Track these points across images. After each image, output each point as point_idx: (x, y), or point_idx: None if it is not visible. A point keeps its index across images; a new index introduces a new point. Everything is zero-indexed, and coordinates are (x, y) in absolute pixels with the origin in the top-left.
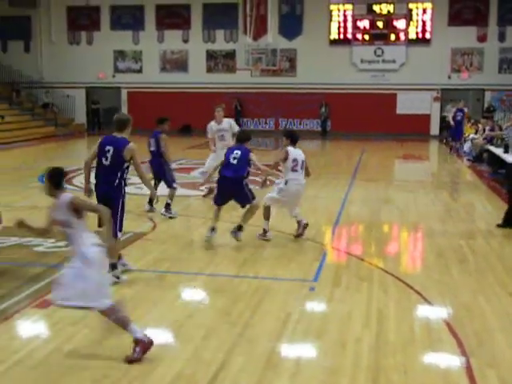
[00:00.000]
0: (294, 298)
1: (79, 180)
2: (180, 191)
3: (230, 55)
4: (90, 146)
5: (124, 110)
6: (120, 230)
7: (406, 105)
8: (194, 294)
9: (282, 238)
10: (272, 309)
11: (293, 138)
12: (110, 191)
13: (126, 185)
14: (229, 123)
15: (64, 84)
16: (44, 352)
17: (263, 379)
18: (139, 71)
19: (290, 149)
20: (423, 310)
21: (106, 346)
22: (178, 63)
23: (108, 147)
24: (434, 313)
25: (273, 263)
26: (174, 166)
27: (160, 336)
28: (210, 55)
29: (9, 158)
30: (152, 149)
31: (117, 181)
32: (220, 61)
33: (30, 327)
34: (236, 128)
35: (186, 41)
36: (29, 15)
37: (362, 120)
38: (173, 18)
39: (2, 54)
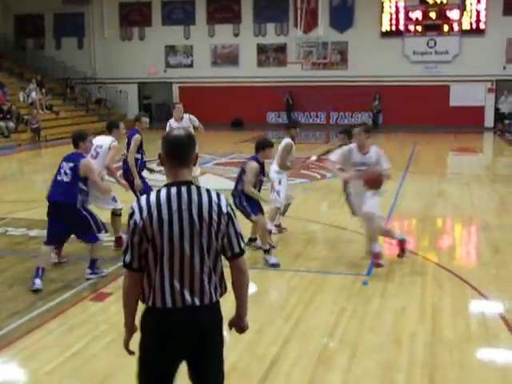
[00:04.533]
0: (347, 293)
1: None
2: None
3: (281, 49)
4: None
5: None
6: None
7: (460, 97)
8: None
9: (333, 232)
10: (325, 303)
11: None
12: None
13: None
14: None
15: (116, 79)
16: (100, 345)
17: (316, 374)
18: (190, 66)
19: None
20: (480, 306)
21: None
22: (229, 57)
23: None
24: (491, 308)
25: (325, 257)
26: (224, 160)
27: None
28: (261, 49)
29: (64, 152)
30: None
31: None
32: (271, 54)
33: (87, 320)
34: (197, 122)
35: (236, 35)
36: (82, 12)
37: (414, 112)
38: (223, 13)
39: (56, 51)
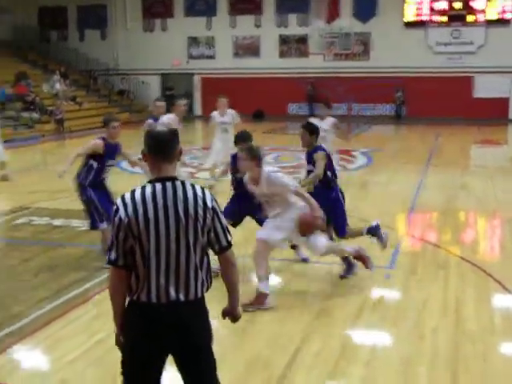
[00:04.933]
0: (370, 285)
1: None
2: None
3: (303, 40)
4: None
5: (197, 95)
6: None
7: (484, 88)
8: (271, 279)
9: (354, 225)
10: (348, 295)
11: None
12: None
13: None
14: (232, 115)
15: (139, 71)
16: None
17: (338, 366)
18: (212, 57)
19: None
20: (503, 299)
21: None
22: (251, 49)
23: None
24: None
25: None
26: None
27: None
28: (283, 40)
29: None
30: None
31: None
32: (292, 45)
33: (110, 309)
34: (238, 119)
35: (258, 26)
36: (104, 4)
37: (437, 104)
38: (245, 4)
39: (80, 43)
